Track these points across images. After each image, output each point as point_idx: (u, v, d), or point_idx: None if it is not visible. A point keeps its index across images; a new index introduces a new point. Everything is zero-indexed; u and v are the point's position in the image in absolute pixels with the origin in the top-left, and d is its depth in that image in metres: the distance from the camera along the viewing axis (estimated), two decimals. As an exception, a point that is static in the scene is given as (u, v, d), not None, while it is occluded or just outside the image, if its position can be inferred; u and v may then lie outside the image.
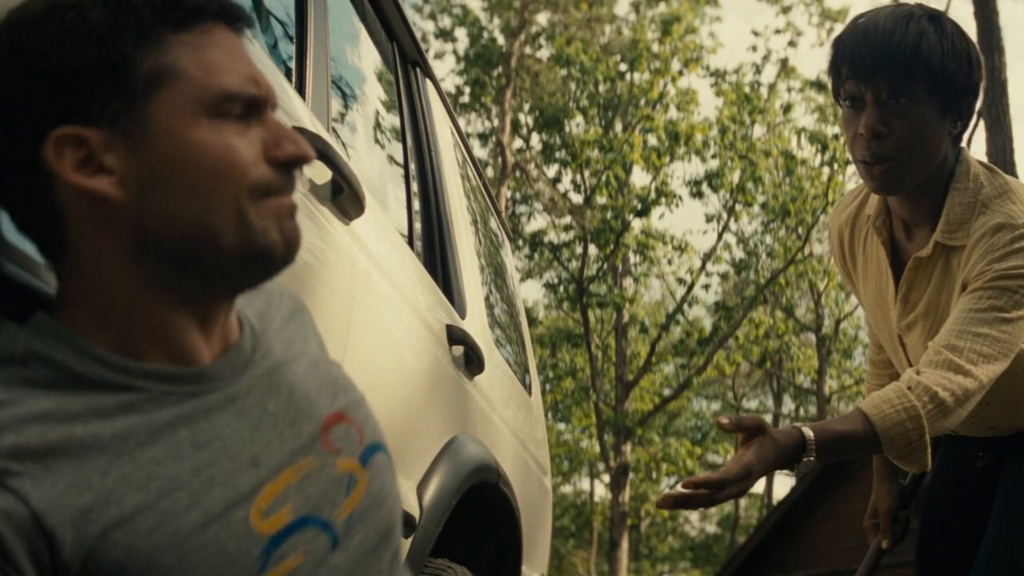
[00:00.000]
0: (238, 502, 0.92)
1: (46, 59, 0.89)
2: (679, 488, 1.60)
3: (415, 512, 1.75)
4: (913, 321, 1.97)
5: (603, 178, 18.97)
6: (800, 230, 19.78)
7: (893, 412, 1.70)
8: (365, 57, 2.24)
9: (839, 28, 2.26)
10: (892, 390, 1.73)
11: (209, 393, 0.96)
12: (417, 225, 2.21)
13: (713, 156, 19.39)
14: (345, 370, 1.15)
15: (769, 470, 1.63)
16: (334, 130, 1.77)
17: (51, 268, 0.95)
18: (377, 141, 2.21)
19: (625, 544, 18.85)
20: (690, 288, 20.34)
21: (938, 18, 1.81)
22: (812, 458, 1.66)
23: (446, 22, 21.79)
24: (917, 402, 1.70)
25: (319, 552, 0.97)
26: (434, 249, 2.28)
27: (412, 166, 2.30)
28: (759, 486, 24.08)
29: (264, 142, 0.96)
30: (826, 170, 19.28)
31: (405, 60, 2.44)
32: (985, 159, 2.12)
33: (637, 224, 19.64)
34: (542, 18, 21.56)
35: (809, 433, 1.66)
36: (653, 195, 19.09)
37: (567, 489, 28.21)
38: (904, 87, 1.77)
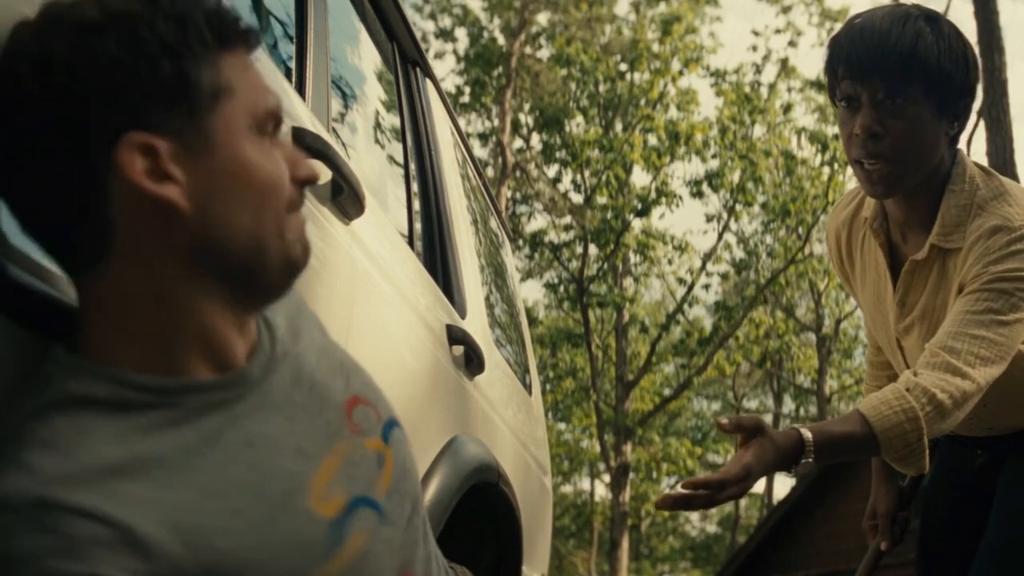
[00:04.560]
0: (296, 491, 0.97)
1: (119, 66, 0.89)
2: (679, 488, 1.60)
3: (415, 512, 1.75)
4: (910, 324, 1.97)
5: (603, 178, 18.97)
6: (800, 230, 19.77)
7: (891, 414, 1.70)
8: (365, 57, 2.24)
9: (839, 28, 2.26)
10: (890, 392, 1.73)
11: (246, 395, 0.99)
12: (417, 225, 2.21)
13: (713, 156, 19.40)
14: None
15: (768, 471, 1.63)
16: (334, 130, 1.77)
17: (74, 280, 0.95)
18: (377, 141, 2.21)
19: (625, 544, 18.85)
20: (690, 288, 20.34)
21: (935, 19, 1.81)
22: (810, 459, 1.66)
23: (446, 22, 21.82)
24: (915, 404, 1.70)
25: (374, 528, 1.02)
26: (434, 249, 2.28)
27: (412, 166, 2.30)
28: (759, 486, 24.06)
29: (288, 161, 1.00)
30: (826, 170, 19.29)
31: (405, 60, 2.44)
32: (985, 159, 2.12)
33: (637, 224, 19.66)
34: (542, 18, 21.57)
35: (807, 435, 1.66)
36: (653, 195, 19.10)
37: (567, 489, 28.20)
38: (900, 87, 1.76)
